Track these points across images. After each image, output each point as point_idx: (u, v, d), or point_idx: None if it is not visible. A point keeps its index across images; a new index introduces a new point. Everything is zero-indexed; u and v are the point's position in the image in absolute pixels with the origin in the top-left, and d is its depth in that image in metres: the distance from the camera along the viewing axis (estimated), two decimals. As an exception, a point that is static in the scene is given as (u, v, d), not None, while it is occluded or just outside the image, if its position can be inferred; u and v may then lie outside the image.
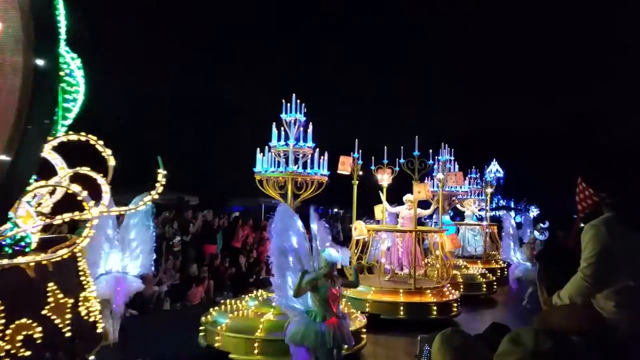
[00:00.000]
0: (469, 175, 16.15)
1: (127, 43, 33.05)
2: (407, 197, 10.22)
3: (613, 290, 2.80)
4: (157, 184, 5.40)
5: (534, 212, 21.97)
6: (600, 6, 37.75)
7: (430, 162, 9.48)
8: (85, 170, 4.90)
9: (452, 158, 12.57)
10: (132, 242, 7.21)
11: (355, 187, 9.99)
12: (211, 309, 7.48)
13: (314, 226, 6.14)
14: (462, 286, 11.76)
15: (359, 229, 9.29)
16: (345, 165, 9.70)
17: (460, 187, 12.43)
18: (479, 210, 16.01)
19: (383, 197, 10.53)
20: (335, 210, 21.92)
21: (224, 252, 12.71)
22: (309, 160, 7.49)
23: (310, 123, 7.53)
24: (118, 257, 7.14)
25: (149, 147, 25.87)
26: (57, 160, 4.83)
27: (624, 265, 2.80)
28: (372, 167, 10.62)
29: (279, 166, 7.43)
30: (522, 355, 1.79)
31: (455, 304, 9.49)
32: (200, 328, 7.16)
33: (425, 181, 12.42)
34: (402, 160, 9.66)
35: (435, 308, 8.99)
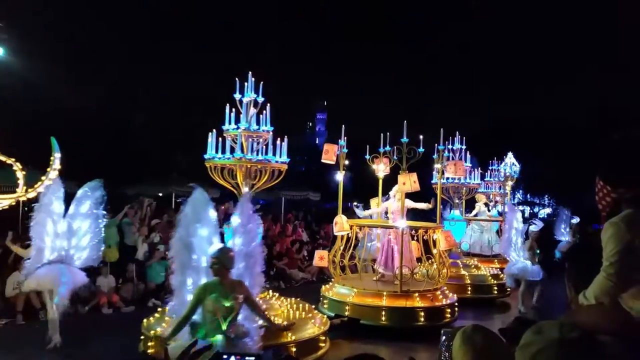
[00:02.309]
0: (489, 168, 14.98)
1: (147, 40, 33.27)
2: (395, 188, 9.21)
3: None
4: (49, 169, 4.77)
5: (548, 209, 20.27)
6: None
7: (421, 149, 8.40)
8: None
9: (464, 147, 11.44)
10: (79, 231, 6.74)
11: (341, 178, 9.07)
12: (159, 310, 6.82)
13: (235, 219, 5.16)
14: (469, 288, 10.67)
15: (340, 224, 8.38)
16: (329, 154, 8.79)
17: (461, 179, 11.21)
18: (494, 205, 14.68)
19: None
20: (355, 203, 20.99)
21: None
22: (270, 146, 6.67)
23: (268, 104, 6.69)
24: (63, 246, 6.65)
25: (168, 142, 25.82)
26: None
27: None
28: (367, 157, 9.64)
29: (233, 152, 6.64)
30: (547, 344, 1.67)
31: (450, 309, 8.42)
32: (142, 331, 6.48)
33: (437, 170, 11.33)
34: (387, 148, 8.65)
35: (422, 314, 7.97)
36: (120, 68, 26.55)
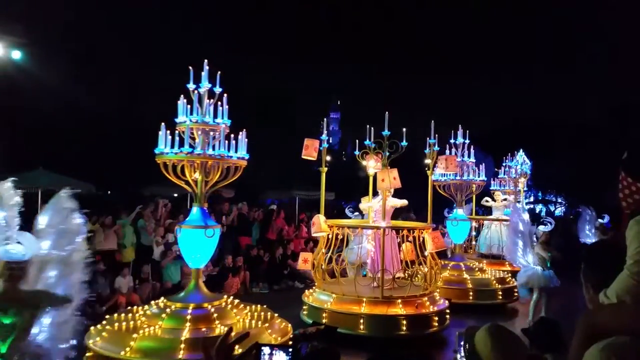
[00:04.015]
0: (503, 164, 14.15)
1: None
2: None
3: None
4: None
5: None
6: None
7: (404, 143, 7.70)
8: None
9: (466, 141, 10.64)
10: None
11: (323, 175, 8.49)
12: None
13: (42, 219, 4.23)
14: (471, 293, 9.89)
15: (317, 224, 7.79)
16: (309, 150, 8.22)
17: (464, 175, 10.44)
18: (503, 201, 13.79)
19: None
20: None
21: (259, 244, 12.92)
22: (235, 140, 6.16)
23: (225, 94, 6.18)
24: None
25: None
26: None
27: None
28: (356, 152, 9.00)
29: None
30: None
31: (437, 317, 7.72)
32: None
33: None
34: (368, 142, 8.00)
35: (404, 322, 7.30)
36: (135, 69, 26.67)
